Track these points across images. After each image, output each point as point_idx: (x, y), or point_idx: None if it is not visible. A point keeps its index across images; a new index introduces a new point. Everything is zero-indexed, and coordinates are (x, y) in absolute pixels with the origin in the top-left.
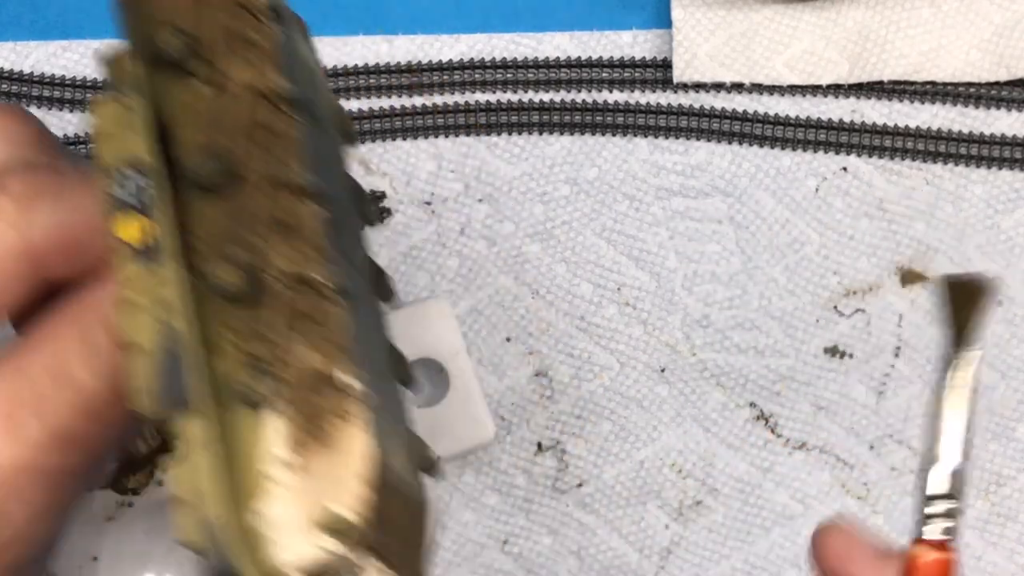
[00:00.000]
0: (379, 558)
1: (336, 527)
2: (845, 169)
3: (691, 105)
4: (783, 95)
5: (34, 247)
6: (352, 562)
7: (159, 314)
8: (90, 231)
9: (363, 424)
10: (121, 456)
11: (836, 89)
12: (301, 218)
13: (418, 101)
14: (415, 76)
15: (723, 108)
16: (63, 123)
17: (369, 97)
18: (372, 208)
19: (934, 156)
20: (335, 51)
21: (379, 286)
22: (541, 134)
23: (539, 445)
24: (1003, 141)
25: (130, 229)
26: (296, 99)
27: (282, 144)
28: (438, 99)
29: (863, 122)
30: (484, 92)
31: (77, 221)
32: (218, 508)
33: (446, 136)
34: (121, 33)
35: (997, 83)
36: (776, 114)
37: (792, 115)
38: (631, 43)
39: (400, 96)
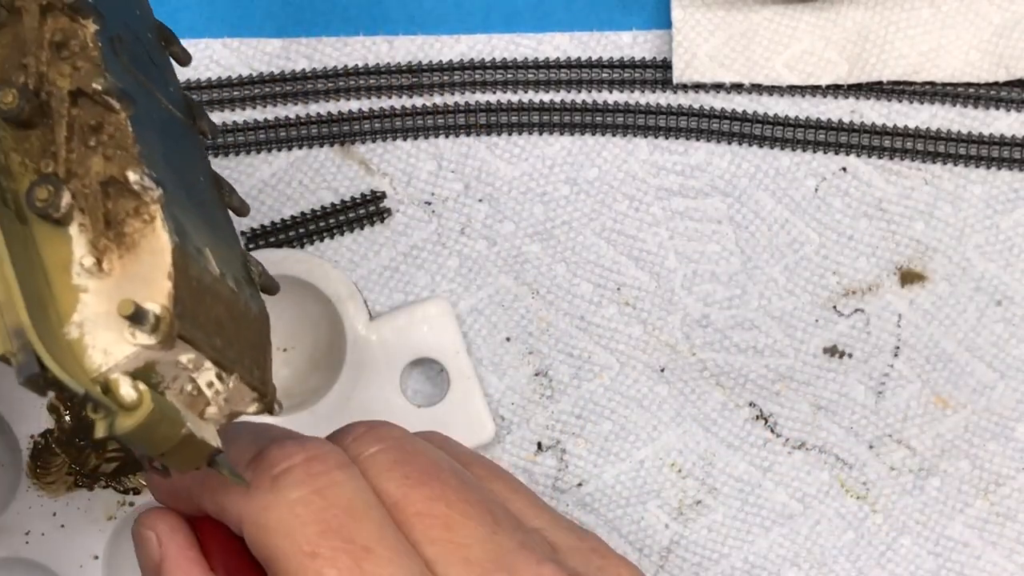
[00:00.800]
0: (204, 355)
1: (145, 320)
2: (844, 169)
3: (691, 105)
4: (782, 95)
5: None
6: (172, 359)
7: None
8: None
9: (161, 223)
10: (121, 456)
11: (835, 89)
12: (74, 35)
13: (418, 101)
14: (415, 76)
15: (723, 108)
16: None
17: (369, 97)
18: (178, 47)
19: (933, 156)
20: (335, 51)
21: (194, 117)
22: (541, 134)
23: (539, 445)
24: (1002, 141)
25: None
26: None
27: None
28: (438, 99)
29: (862, 122)
30: (484, 92)
31: None
32: (24, 316)
33: (446, 136)
34: None
35: (996, 83)
36: (775, 114)
37: (791, 115)
38: (631, 43)
39: (400, 96)
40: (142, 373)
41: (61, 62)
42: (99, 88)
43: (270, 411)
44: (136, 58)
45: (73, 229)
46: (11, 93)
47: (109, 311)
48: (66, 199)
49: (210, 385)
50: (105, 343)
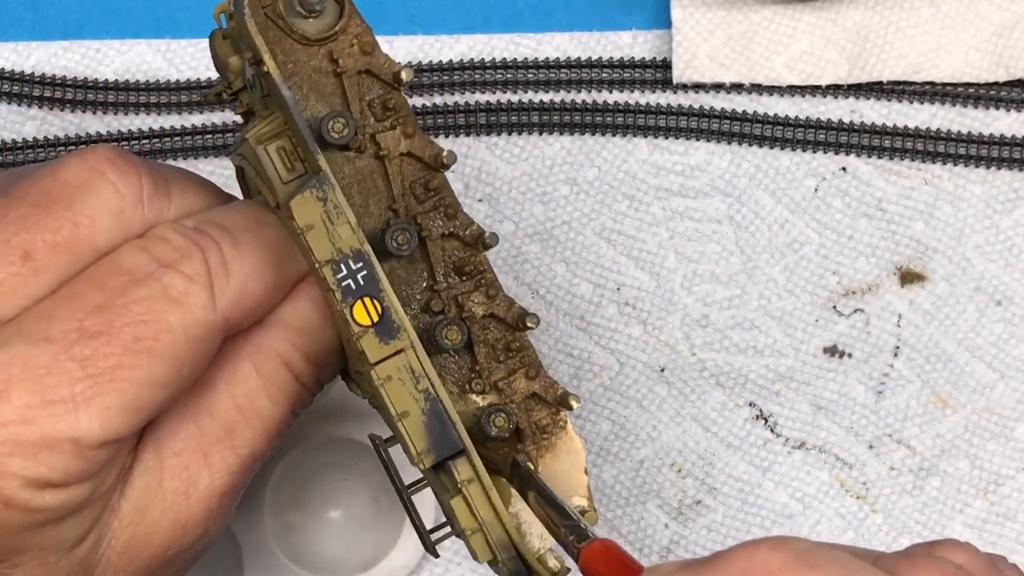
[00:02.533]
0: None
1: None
2: (844, 169)
3: (691, 105)
4: (782, 95)
5: (225, 321)
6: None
7: (412, 380)
8: (265, 288)
9: (572, 428)
10: None
11: (835, 89)
12: (478, 263)
13: (418, 101)
14: (415, 76)
15: (723, 108)
16: (64, 123)
17: None
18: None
19: (933, 156)
20: None
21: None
22: (541, 134)
23: None
24: (1002, 141)
25: (362, 312)
26: (442, 152)
27: (443, 198)
28: (438, 99)
29: (862, 122)
30: (484, 92)
31: (256, 283)
32: (498, 529)
33: (446, 136)
34: (291, 130)
35: (996, 83)
36: (775, 114)
37: (791, 115)
38: (631, 43)
39: None
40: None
41: (474, 291)
42: (507, 315)
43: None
44: None
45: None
46: (454, 330)
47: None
48: (504, 418)
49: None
50: (540, 530)
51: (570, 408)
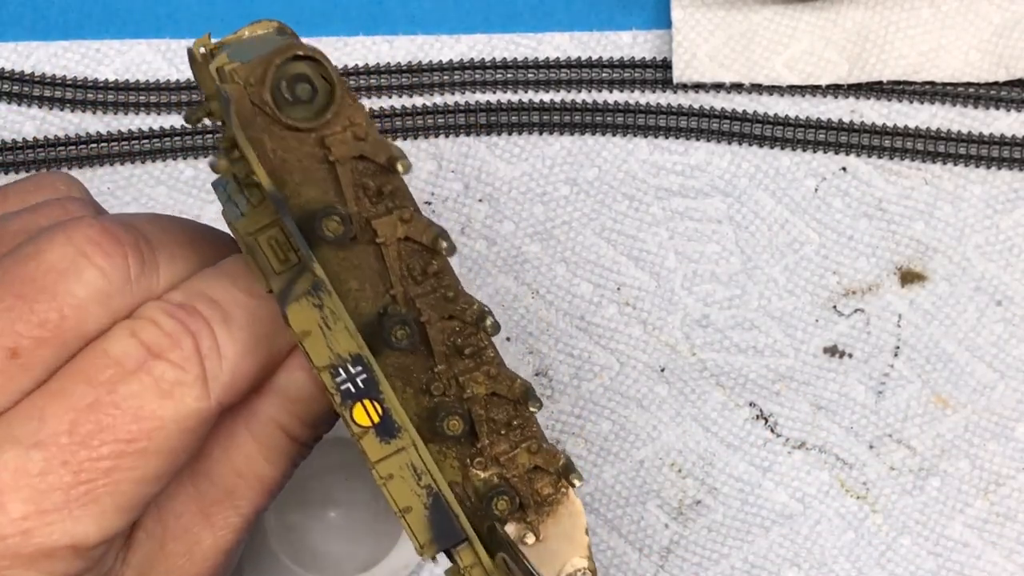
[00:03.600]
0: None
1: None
2: (844, 169)
3: (691, 105)
4: (782, 95)
5: (219, 405)
6: None
7: (414, 477)
8: (259, 366)
9: (575, 492)
10: None
11: (835, 89)
12: (479, 341)
13: (418, 101)
14: (415, 76)
15: (723, 108)
16: (64, 123)
17: (369, 97)
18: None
19: (933, 156)
20: (335, 51)
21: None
22: (541, 134)
23: None
24: (1002, 141)
25: (362, 414)
26: (441, 233)
27: (442, 279)
28: (438, 99)
29: (862, 122)
30: (484, 92)
31: (249, 363)
32: None
33: (446, 136)
34: (285, 233)
35: (996, 83)
36: (775, 114)
37: (791, 115)
38: (631, 43)
39: (400, 96)
40: None
41: (475, 370)
42: (509, 393)
43: None
44: None
45: (517, 522)
46: (456, 420)
47: (540, 561)
48: (508, 498)
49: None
50: None
51: (573, 485)
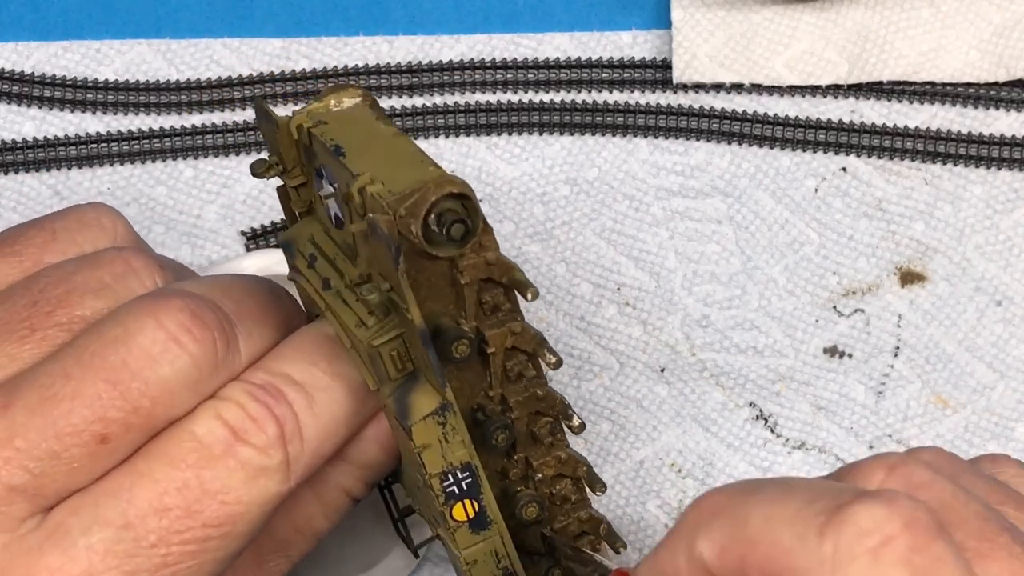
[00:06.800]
0: None
1: None
2: (844, 169)
3: (691, 105)
4: (782, 95)
5: (298, 485)
6: None
7: (494, 560)
8: (337, 445)
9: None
10: None
11: (835, 89)
12: (554, 432)
13: (418, 101)
14: (415, 76)
15: (723, 108)
16: (64, 123)
17: None
18: None
19: (933, 156)
20: (335, 51)
21: None
22: (541, 134)
23: None
24: (1002, 141)
25: (461, 511)
26: (542, 342)
27: (533, 382)
28: (438, 99)
29: (862, 122)
30: (484, 92)
31: (329, 444)
32: None
33: (446, 136)
34: (414, 351)
35: (996, 83)
36: (775, 114)
37: (791, 115)
38: (631, 43)
39: (400, 96)
40: None
41: (545, 455)
42: (575, 472)
43: None
44: None
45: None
46: (533, 507)
47: None
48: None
49: None
50: None
51: (617, 552)
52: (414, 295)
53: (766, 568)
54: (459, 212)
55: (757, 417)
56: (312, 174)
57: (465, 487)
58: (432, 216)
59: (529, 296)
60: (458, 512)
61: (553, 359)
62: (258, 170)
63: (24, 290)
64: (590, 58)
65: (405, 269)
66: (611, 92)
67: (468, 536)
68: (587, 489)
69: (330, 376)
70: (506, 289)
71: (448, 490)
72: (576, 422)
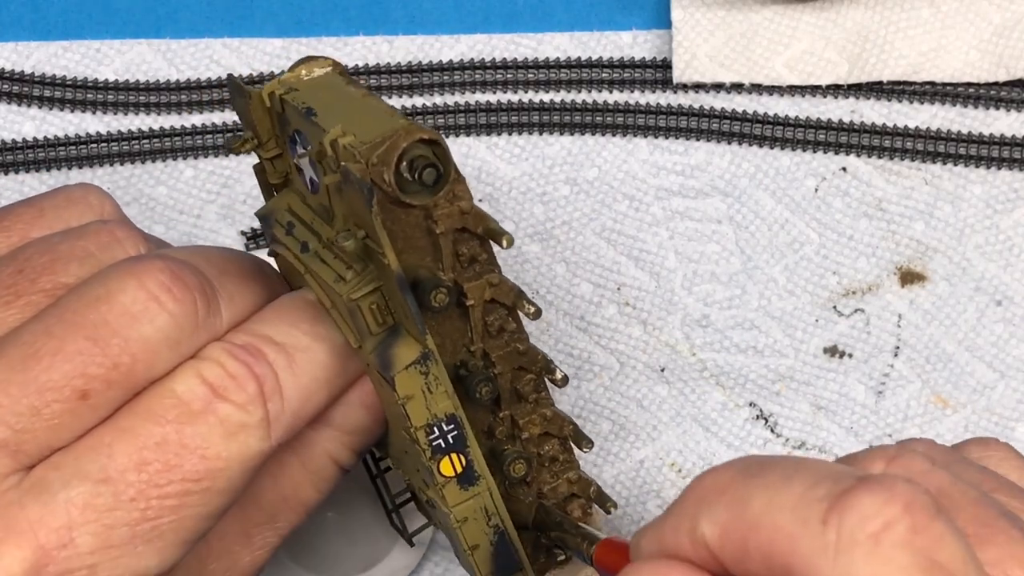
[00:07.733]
0: None
1: None
2: (844, 169)
3: (691, 105)
4: (782, 95)
5: (279, 445)
6: None
7: (484, 518)
8: (318, 407)
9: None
10: None
11: (835, 89)
12: (539, 389)
13: (418, 101)
14: (415, 76)
15: (723, 108)
16: (64, 123)
17: None
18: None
19: (933, 156)
20: (335, 51)
21: None
22: (541, 134)
23: None
24: (1002, 141)
25: (448, 466)
26: (521, 295)
27: (514, 336)
28: (438, 99)
29: (862, 122)
30: (484, 92)
31: (309, 405)
32: None
33: (446, 136)
34: (392, 303)
35: (996, 83)
36: (775, 114)
37: (791, 115)
38: (631, 43)
39: (400, 96)
40: None
41: (532, 413)
42: (560, 431)
43: None
44: None
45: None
46: (520, 464)
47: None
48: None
49: None
50: None
51: (608, 512)
52: (391, 247)
53: (769, 552)
54: (430, 157)
55: (757, 417)
56: (286, 144)
57: (452, 440)
58: (404, 163)
59: (504, 243)
60: (445, 467)
61: (532, 308)
62: (233, 145)
63: (10, 260)
64: (590, 58)
65: (379, 212)
66: (611, 92)
67: (457, 492)
68: (575, 449)
69: (311, 337)
70: (481, 240)
71: (434, 443)
72: (559, 375)
